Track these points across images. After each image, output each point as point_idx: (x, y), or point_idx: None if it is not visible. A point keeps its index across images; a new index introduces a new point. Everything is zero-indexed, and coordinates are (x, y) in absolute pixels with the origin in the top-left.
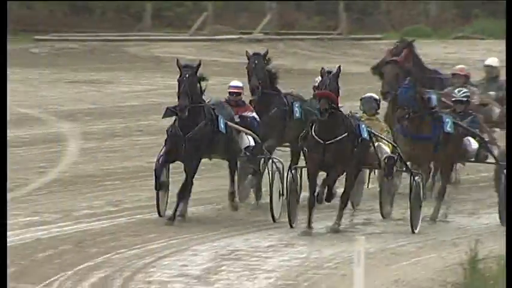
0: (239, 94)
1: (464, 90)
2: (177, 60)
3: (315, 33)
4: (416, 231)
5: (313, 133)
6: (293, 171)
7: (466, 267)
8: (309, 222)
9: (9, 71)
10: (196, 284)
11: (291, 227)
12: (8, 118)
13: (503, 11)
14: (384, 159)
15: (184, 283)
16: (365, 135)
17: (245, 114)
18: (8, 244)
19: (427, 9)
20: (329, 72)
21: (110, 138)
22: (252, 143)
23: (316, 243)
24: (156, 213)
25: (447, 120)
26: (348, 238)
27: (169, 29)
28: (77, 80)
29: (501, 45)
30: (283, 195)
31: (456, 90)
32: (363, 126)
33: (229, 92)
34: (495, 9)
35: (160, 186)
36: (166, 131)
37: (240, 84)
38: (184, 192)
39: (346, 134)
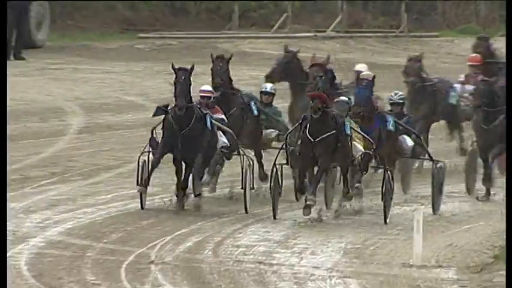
0: (209, 98)
1: (400, 93)
2: (172, 64)
3: (380, 31)
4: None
5: (306, 131)
6: (277, 166)
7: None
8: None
9: (116, 64)
10: (277, 248)
11: (275, 218)
12: (113, 105)
13: None
14: (361, 155)
15: (267, 247)
16: (348, 131)
17: (216, 116)
18: (115, 213)
19: (477, 9)
20: (320, 76)
21: None
22: (227, 142)
23: (380, 213)
24: (240, 187)
25: (390, 119)
26: (407, 210)
27: (254, 28)
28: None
29: None
30: (253, 188)
31: (393, 93)
32: (347, 123)
33: (201, 96)
34: None
35: (147, 181)
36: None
37: (209, 88)
38: (199, 173)
39: (334, 131)
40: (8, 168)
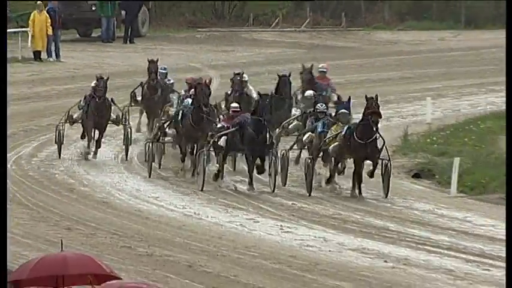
0: (238, 111)
1: (323, 104)
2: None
3: (330, 27)
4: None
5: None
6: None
7: (401, 138)
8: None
9: (185, 46)
10: None
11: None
12: (184, 68)
13: None
14: None
15: None
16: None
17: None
18: None
19: (384, 14)
20: (371, 97)
21: None
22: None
23: None
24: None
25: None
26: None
27: (261, 26)
28: (215, 49)
29: None
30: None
31: (319, 105)
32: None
33: (233, 111)
34: None
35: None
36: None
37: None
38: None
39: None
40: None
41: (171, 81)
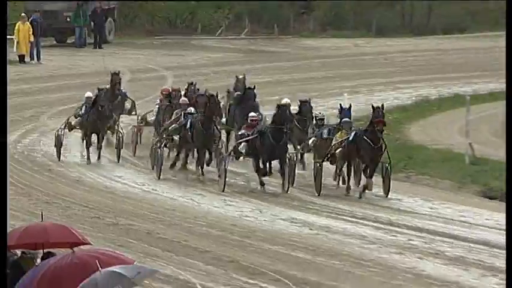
0: (257, 121)
1: (322, 112)
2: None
3: (265, 35)
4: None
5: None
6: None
7: None
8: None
9: (144, 50)
10: None
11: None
12: (144, 69)
13: None
14: None
15: None
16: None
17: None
18: None
19: (308, 24)
20: (378, 107)
21: None
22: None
23: None
24: None
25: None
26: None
27: (206, 34)
28: (169, 53)
29: None
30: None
31: (317, 112)
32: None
33: (251, 120)
34: None
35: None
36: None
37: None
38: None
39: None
40: None
41: (125, 91)
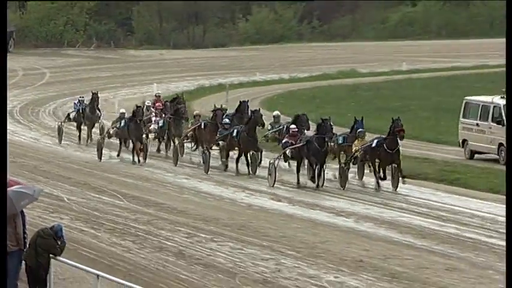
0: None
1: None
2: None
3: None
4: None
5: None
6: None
7: None
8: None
9: (29, 58)
10: None
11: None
12: None
13: None
14: None
15: None
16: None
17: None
18: None
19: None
20: (397, 118)
21: None
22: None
23: None
24: None
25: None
26: None
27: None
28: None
29: None
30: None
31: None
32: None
33: (293, 131)
34: None
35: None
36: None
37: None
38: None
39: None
40: None
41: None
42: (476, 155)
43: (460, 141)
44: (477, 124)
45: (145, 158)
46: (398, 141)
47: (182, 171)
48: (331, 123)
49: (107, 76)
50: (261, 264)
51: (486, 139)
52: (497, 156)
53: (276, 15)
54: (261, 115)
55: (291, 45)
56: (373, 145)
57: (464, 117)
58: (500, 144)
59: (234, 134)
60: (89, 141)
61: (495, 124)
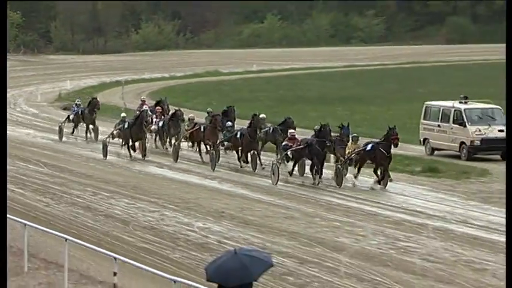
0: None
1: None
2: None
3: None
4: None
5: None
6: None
7: None
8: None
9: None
10: None
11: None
12: None
13: None
14: None
15: None
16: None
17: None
18: None
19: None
20: (393, 127)
21: None
22: None
23: None
24: None
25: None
26: None
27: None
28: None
29: None
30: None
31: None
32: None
33: (291, 136)
34: None
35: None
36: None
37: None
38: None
39: None
40: None
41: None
42: (436, 152)
43: (421, 139)
44: (438, 125)
45: (144, 156)
46: (392, 147)
47: (95, 147)
48: (330, 128)
49: (31, 75)
50: (149, 215)
51: (448, 138)
52: (459, 153)
53: (159, 29)
54: (261, 119)
55: (170, 52)
56: (368, 149)
57: (425, 119)
58: (462, 143)
59: (238, 135)
60: (88, 135)
61: (457, 125)
